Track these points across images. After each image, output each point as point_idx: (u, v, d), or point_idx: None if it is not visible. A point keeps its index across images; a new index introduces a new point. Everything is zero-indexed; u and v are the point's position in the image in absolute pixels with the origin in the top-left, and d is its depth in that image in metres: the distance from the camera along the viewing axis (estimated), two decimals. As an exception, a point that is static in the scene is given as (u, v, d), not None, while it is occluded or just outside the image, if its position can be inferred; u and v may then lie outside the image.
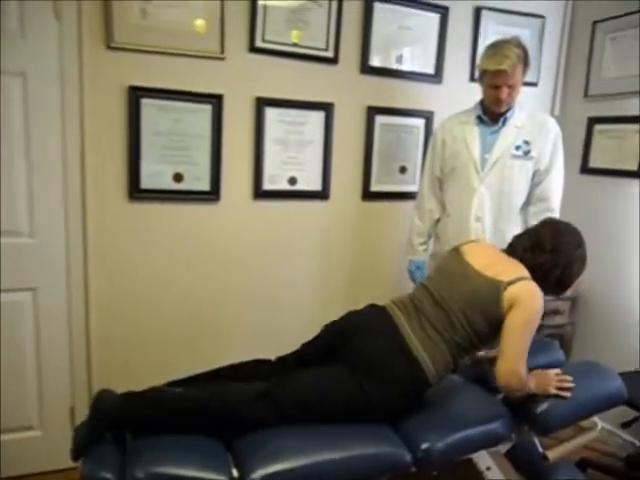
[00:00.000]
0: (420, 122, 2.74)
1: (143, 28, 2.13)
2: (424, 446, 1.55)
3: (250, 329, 2.54)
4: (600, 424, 1.90)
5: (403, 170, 2.76)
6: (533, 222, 2.18)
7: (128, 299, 2.31)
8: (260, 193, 2.46)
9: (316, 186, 2.57)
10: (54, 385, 2.21)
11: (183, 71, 2.23)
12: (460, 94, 2.65)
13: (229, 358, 1.80)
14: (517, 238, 1.84)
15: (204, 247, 2.40)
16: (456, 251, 1.84)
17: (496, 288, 1.63)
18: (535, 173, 2.22)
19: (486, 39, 2.67)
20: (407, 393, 1.62)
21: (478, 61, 2.21)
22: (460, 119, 2.31)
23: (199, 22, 2.21)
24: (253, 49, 2.33)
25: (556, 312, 2.79)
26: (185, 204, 2.34)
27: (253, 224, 2.48)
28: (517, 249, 1.77)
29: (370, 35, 2.53)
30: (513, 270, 1.68)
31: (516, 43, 2.11)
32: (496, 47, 2.12)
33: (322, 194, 2.59)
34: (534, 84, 2.92)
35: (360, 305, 1.82)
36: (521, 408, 1.72)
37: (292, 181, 2.51)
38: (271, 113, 2.41)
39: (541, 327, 1.65)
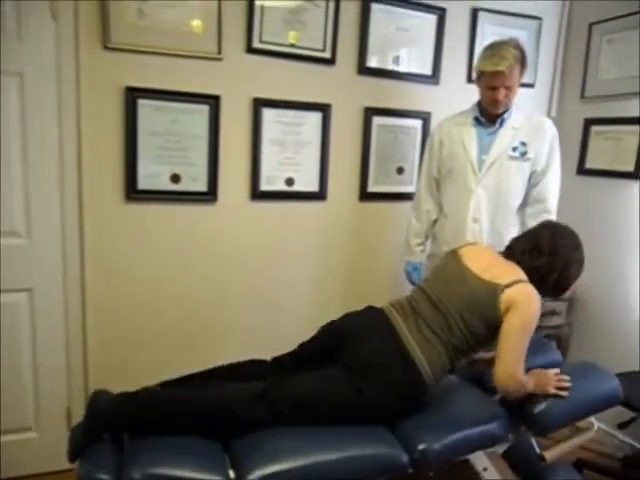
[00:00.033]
0: (417, 123, 2.74)
1: (140, 28, 2.13)
2: (421, 447, 1.55)
3: (247, 329, 2.54)
4: (596, 424, 1.91)
5: (400, 171, 2.76)
6: (530, 223, 2.19)
7: (125, 300, 2.30)
8: (257, 194, 2.45)
9: (313, 187, 2.57)
10: (50, 386, 2.21)
11: (180, 72, 2.23)
12: (457, 95, 2.65)
13: (226, 359, 1.80)
14: (515, 241, 1.84)
15: (201, 248, 2.40)
16: (454, 254, 1.84)
17: (493, 291, 1.63)
18: (532, 174, 2.23)
19: (483, 40, 2.68)
20: (405, 396, 1.62)
21: (475, 62, 2.22)
22: (457, 120, 2.31)
23: (196, 22, 2.21)
24: (250, 50, 2.33)
25: (553, 313, 2.80)
26: (182, 205, 2.33)
27: (250, 225, 2.48)
28: (515, 252, 1.78)
29: (367, 36, 2.53)
30: (510, 273, 1.69)
31: (514, 44, 2.11)
32: (494, 48, 2.12)
33: (319, 195, 2.59)
34: (531, 85, 2.93)
35: (358, 306, 1.82)
36: (518, 408, 1.72)
37: (289, 182, 2.51)
38: (268, 114, 2.41)
39: (539, 328, 1.66)
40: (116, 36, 2.09)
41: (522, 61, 2.12)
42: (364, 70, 2.57)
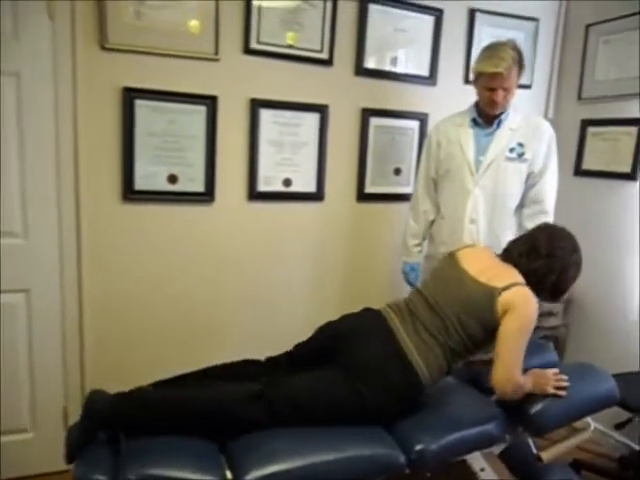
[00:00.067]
0: (414, 124, 2.74)
1: (137, 29, 2.12)
2: (418, 447, 1.56)
3: (244, 330, 2.53)
4: (593, 425, 1.91)
5: (398, 172, 2.76)
6: (527, 224, 2.20)
7: (122, 300, 2.30)
8: (255, 194, 2.45)
9: (311, 187, 2.57)
10: (47, 387, 2.20)
11: (177, 72, 2.23)
12: (454, 96, 2.65)
13: (223, 359, 1.80)
14: (512, 243, 1.84)
15: (198, 248, 2.40)
16: (451, 256, 1.85)
17: (490, 294, 1.64)
18: (529, 175, 2.23)
19: (480, 41, 2.69)
20: (402, 398, 1.63)
21: (473, 63, 2.22)
22: (455, 121, 2.31)
23: (193, 23, 2.21)
24: (248, 50, 2.33)
25: (550, 314, 2.80)
26: (179, 205, 2.33)
27: (248, 225, 2.48)
28: (512, 254, 1.78)
29: (365, 37, 2.54)
30: (507, 276, 1.69)
31: (512, 46, 2.12)
32: (492, 49, 2.12)
33: (317, 195, 2.59)
34: (528, 86, 2.93)
35: (355, 306, 1.82)
36: (515, 409, 1.72)
37: (287, 182, 2.51)
38: (266, 114, 2.41)
39: (536, 329, 1.66)
40: (113, 36, 2.09)
41: (520, 62, 2.12)
42: (361, 71, 2.57)
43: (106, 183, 2.20)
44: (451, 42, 2.74)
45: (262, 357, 1.82)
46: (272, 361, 1.79)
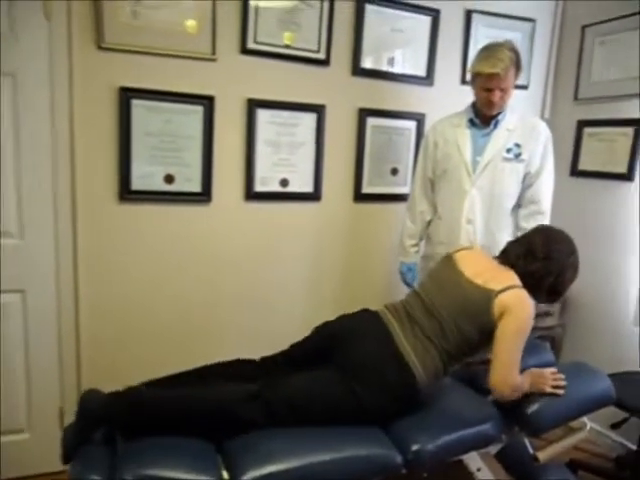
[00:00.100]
0: (411, 124, 2.75)
1: (134, 28, 2.12)
2: (415, 447, 1.56)
3: (242, 331, 2.53)
4: (589, 425, 1.92)
5: (394, 172, 2.76)
6: (524, 224, 2.21)
7: (118, 301, 2.30)
8: (252, 195, 2.45)
9: (308, 188, 2.57)
10: (43, 388, 2.20)
11: (174, 72, 2.22)
12: (451, 96, 2.66)
13: (220, 359, 1.79)
14: (510, 245, 1.84)
15: (195, 248, 2.39)
16: (449, 258, 1.85)
17: (487, 296, 1.64)
18: (526, 176, 2.23)
19: (477, 42, 2.70)
20: (398, 398, 1.63)
21: (471, 64, 2.21)
22: (452, 121, 2.31)
23: (190, 23, 2.20)
24: (245, 50, 2.33)
25: (547, 314, 2.81)
26: (176, 205, 2.33)
27: (245, 226, 2.47)
28: (510, 256, 1.78)
29: (362, 37, 2.54)
30: (504, 278, 1.69)
31: (509, 47, 2.12)
32: (490, 50, 2.12)
33: (314, 196, 2.59)
34: (524, 87, 2.94)
35: (352, 306, 1.82)
36: (511, 409, 1.72)
37: (284, 183, 2.51)
38: (263, 115, 2.41)
39: (532, 329, 1.66)
40: (110, 36, 2.09)
41: (517, 63, 2.12)
42: (358, 71, 2.57)
43: (102, 183, 2.20)
44: (448, 42, 2.75)
45: (258, 357, 1.82)
46: (266, 361, 1.78)
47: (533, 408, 1.70)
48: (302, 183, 2.55)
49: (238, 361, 1.77)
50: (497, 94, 2.11)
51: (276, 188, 2.50)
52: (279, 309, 2.60)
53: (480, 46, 2.23)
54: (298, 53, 2.42)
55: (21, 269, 2.09)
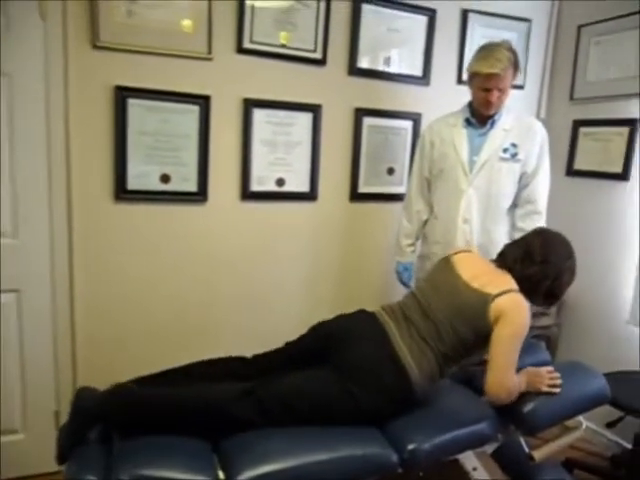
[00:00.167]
0: (408, 124, 2.75)
1: (129, 27, 2.12)
2: (410, 447, 1.55)
3: (238, 330, 2.53)
4: (585, 424, 1.92)
5: (391, 171, 2.76)
6: (520, 224, 2.22)
7: (114, 300, 2.29)
8: (248, 194, 2.45)
9: (304, 187, 2.57)
10: (38, 388, 2.19)
11: (170, 71, 2.22)
12: (447, 96, 2.66)
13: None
14: (507, 247, 1.84)
15: (191, 248, 2.39)
16: (446, 261, 1.85)
17: (484, 300, 1.64)
18: (522, 176, 2.23)
19: (473, 42, 2.70)
20: (395, 400, 1.63)
21: (468, 63, 2.21)
22: (448, 121, 2.31)
23: (186, 22, 2.20)
24: (241, 50, 2.32)
25: (543, 313, 2.81)
26: (172, 205, 2.32)
27: (241, 225, 2.47)
28: (507, 260, 1.77)
29: (358, 37, 2.54)
30: (501, 282, 1.69)
31: (507, 47, 2.12)
32: (488, 50, 2.12)
33: (310, 195, 2.59)
34: (520, 87, 2.94)
35: (348, 306, 1.82)
36: (507, 408, 1.72)
37: (280, 182, 2.51)
38: (259, 114, 2.41)
39: (529, 328, 1.66)
40: (105, 35, 2.08)
41: (515, 63, 2.13)
42: (355, 71, 2.57)
43: (98, 182, 2.19)
44: (444, 42, 2.75)
45: (250, 355, 1.80)
46: (260, 358, 1.77)
47: (529, 407, 1.70)
48: (298, 183, 2.55)
49: (229, 358, 1.76)
50: (495, 94, 2.11)
51: (272, 188, 2.50)
52: (275, 309, 2.60)
53: (476, 46, 2.23)
54: (294, 53, 2.42)
55: (16, 269, 2.09)
